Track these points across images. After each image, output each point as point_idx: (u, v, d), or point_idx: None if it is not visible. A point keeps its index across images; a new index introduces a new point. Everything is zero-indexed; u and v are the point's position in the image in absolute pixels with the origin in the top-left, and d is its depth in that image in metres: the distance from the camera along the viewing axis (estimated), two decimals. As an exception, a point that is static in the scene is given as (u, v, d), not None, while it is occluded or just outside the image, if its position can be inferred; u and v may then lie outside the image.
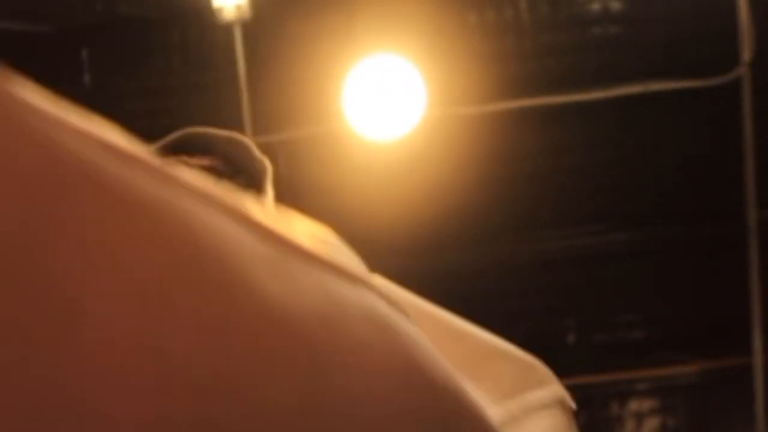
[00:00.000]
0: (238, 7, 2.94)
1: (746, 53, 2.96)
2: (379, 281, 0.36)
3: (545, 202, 3.18)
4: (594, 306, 3.26)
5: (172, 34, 3.21)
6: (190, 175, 0.26)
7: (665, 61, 3.09)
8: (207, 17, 3.04)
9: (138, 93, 3.22)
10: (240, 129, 3.11)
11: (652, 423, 3.24)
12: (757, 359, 3.08)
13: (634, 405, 3.24)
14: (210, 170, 0.87)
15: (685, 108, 3.12)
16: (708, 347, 3.17)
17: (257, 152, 0.92)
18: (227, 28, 3.06)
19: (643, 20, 3.11)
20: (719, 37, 3.04)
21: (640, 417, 3.24)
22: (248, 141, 0.94)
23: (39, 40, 3.15)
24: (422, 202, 3.14)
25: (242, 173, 0.92)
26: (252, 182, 0.91)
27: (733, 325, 3.17)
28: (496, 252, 3.20)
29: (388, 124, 3.05)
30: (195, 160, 0.88)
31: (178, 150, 0.91)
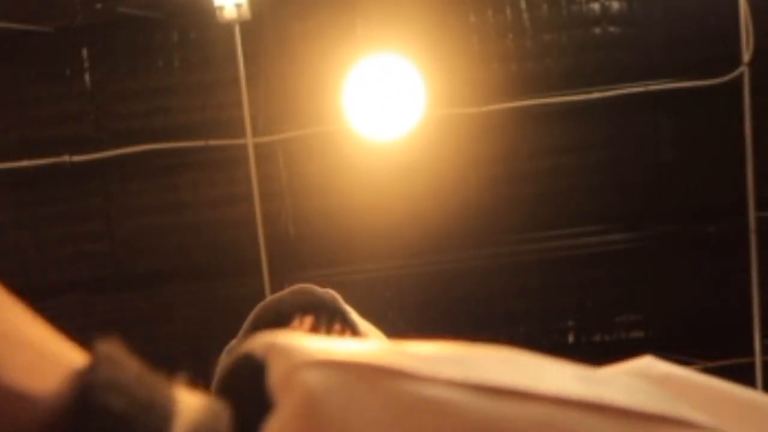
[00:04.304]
0: (238, 7, 2.94)
1: (746, 53, 2.96)
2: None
3: (545, 202, 3.18)
4: (594, 306, 3.26)
5: (172, 34, 3.21)
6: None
7: (665, 61, 3.10)
8: (207, 17, 3.04)
9: (138, 93, 3.22)
10: (240, 129, 3.11)
11: (652, 423, 3.24)
12: (758, 359, 3.08)
13: (634, 405, 3.24)
14: (315, 328, 0.99)
15: (685, 108, 3.12)
16: (708, 347, 3.17)
17: (319, 289, 1.03)
18: (227, 28, 3.06)
19: (643, 20, 3.11)
20: (719, 37, 3.04)
21: (640, 417, 3.23)
22: (307, 285, 1.04)
23: (39, 40, 3.15)
24: (422, 201, 3.14)
25: (323, 313, 1.02)
26: (335, 314, 1.02)
27: (733, 325, 3.17)
28: (496, 252, 3.20)
29: (388, 124, 3.05)
30: (304, 326, 0.98)
31: (260, 326, 1.01)
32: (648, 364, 0.40)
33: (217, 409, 0.33)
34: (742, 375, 3.10)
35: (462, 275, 3.21)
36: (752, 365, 3.10)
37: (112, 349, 0.32)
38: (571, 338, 3.27)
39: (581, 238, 3.19)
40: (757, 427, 0.35)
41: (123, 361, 0.32)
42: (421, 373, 0.30)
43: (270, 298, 1.06)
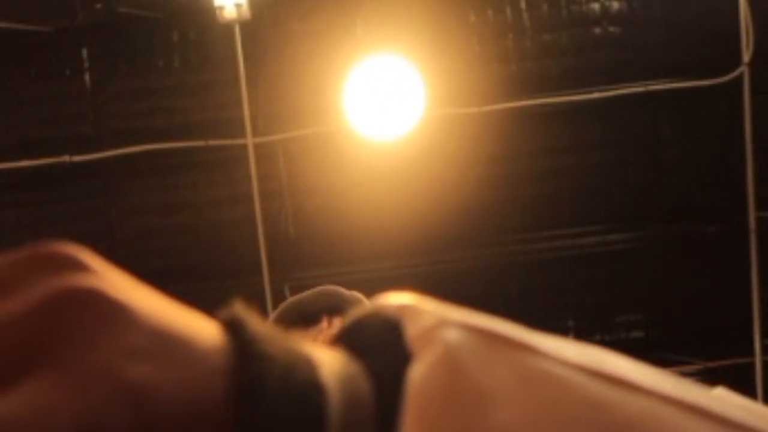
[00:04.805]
0: (238, 7, 2.94)
1: (746, 53, 2.96)
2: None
3: (545, 202, 3.18)
4: (594, 306, 3.26)
5: (172, 34, 3.21)
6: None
7: (665, 61, 3.10)
8: (207, 17, 3.04)
9: (138, 93, 3.22)
10: (240, 129, 3.11)
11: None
12: (758, 359, 3.08)
13: (634, 405, 3.24)
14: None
15: (685, 108, 3.12)
16: (708, 347, 3.17)
17: (344, 291, 1.03)
18: (227, 28, 3.06)
19: (643, 20, 3.11)
20: (719, 37, 3.04)
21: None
22: (332, 287, 1.05)
23: (39, 40, 3.15)
24: (422, 201, 3.14)
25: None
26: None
27: (733, 325, 3.17)
28: (495, 252, 3.20)
29: (388, 124, 3.05)
30: (327, 332, 0.97)
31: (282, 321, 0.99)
32: (721, 393, 0.41)
33: (349, 359, 0.36)
34: (742, 375, 3.10)
35: (461, 275, 3.21)
36: (752, 365, 3.10)
37: (245, 307, 0.35)
38: (571, 338, 3.27)
39: (581, 238, 3.19)
40: None
41: (258, 316, 0.34)
42: (541, 348, 0.33)
43: (293, 299, 1.04)
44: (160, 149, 3.16)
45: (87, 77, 3.22)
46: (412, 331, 0.35)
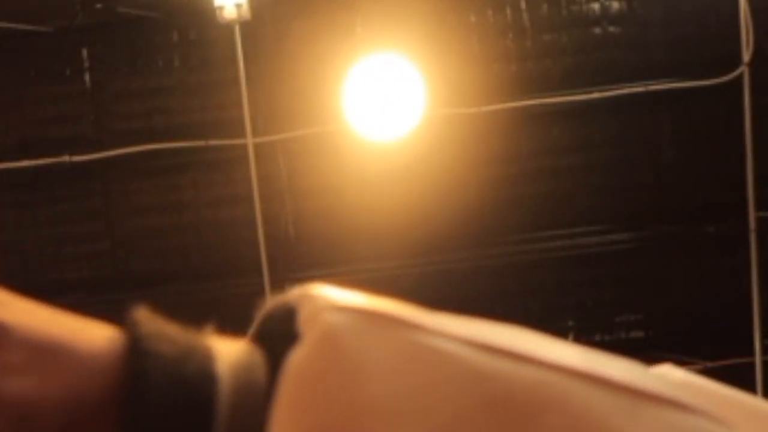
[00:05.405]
0: (238, 7, 2.94)
1: (746, 53, 2.96)
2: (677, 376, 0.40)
3: (545, 202, 3.18)
4: (594, 306, 3.26)
5: (172, 34, 3.21)
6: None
7: (665, 61, 3.10)
8: (207, 17, 3.04)
9: (138, 93, 3.22)
10: (240, 129, 3.11)
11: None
12: (758, 359, 3.08)
13: (634, 405, 3.23)
14: None
15: (685, 108, 3.12)
16: (708, 347, 3.17)
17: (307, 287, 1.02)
18: (227, 28, 3.06)
19: (643, 20, 3.11)
20: (719, 37, 3.04)
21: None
22: (317, 285, 1.04)
23: (39, 40, 3.15)
24: (422, 202, 3.14)
25: None
26: None
27: (733, 325, 3.17)
28: (496, 252, 3.20)
29: (388, 124, 3.05)
30: None
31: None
32: (665, 370, 0.40)
33: (251, 349, 0.37)
34: (742, 375, 3.10)
35: (462, 275, 3.21)
36: (752, 365, 3.10)
37: (147, 311, 0.36)
38: (571, 338, 3.27)
39: (581, 238, 3.19)
40: None
41: (158, 318, 0.35)
42: (429, 326, 0.33)
43: (279, 296, 1.03)
44: (160, 149, 3.16)
45: (87, 77, 3.22)
46: (302, 316, 0.36)
